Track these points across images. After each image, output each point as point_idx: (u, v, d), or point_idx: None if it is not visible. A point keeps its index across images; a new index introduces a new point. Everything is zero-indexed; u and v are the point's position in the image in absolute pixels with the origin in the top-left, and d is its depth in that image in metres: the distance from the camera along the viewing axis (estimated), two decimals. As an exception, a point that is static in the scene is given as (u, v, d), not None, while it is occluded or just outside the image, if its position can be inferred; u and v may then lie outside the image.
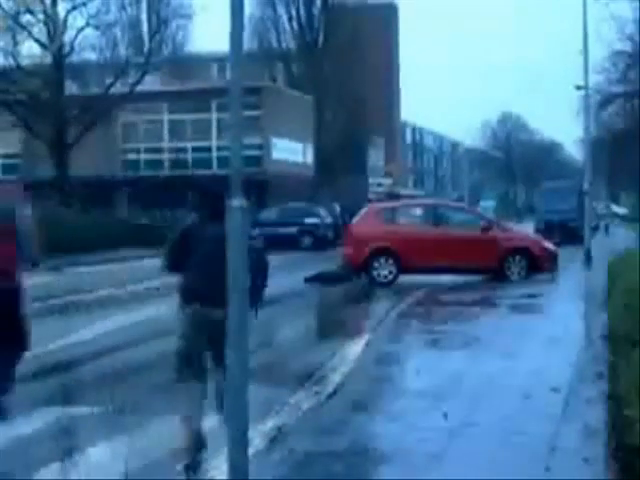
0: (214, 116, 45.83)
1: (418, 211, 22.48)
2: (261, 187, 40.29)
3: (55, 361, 10.70)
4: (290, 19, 58.53)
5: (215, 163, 44.83)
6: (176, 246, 6.64)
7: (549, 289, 19.26)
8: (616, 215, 63.96)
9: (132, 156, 47.31)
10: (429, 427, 7.24)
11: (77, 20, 40.01)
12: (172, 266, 6.69)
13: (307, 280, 21.16)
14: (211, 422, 6.50)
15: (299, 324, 15.24)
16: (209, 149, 46.22)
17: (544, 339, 11.68)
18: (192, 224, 6.66)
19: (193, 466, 6.16)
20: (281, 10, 58.52)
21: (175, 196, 35.34)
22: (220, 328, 5.94)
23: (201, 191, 6.73)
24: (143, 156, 47.34)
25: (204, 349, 6.43)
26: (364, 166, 64.12)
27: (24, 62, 38.57)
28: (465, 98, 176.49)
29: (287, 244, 35.17)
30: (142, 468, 6.38)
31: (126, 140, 47.33)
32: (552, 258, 21.17)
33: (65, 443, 7.46)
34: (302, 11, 58.58)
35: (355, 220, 22.25)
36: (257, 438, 6.78)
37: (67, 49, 39.04)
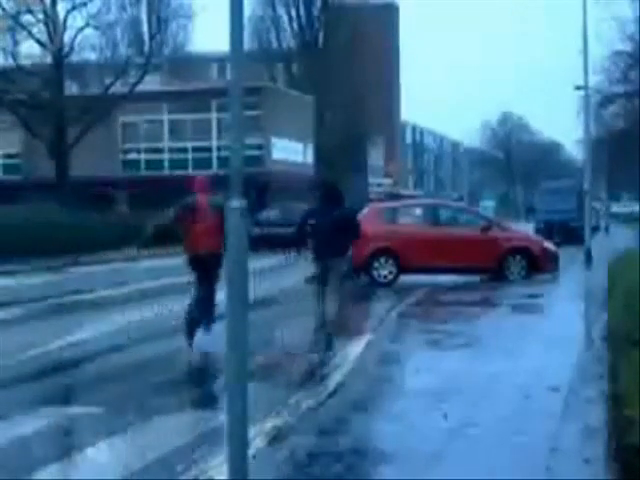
0: (214, 116, 45.80)
1: (418, 211, 22.44)
2: (261, 187, 40.25)
3: (55, 361, 10.68)
4: (290, 19, 58.52)
5: (215, 163, 44.79)
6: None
7: (549, 289, 19.25)
8: (614, 215, 63.72)
9: (132, 156, 47.30)
10: (429, 427, 7.24)
11: (77, 20, 39.86)
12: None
13: (307, 280, 21.10)
14: (210, 422, 6.51)
15: (299, 324, 15.21)
16: (209, 149, 46.20)
17: (544, 339, 11.68)
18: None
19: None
20: (281, 10, 58.54)
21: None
22: None
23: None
24: (143, 156, 47.32)
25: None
26: (364, 166, 64.05)
27: (24, 62, 38.51)
28: (465, 98, 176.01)
29: (287, 244, 35.11)
30: (142, 468, 6.37)
31: (126, 140, 47.29)
32: (552, 258, 21.14)
33: (65, 443, 7.45)
34: (302, 11, 58.56)
35: (355, 220, 22.19)
36: (257, 438, 6.78)
37: (67, 49, 38.94)
